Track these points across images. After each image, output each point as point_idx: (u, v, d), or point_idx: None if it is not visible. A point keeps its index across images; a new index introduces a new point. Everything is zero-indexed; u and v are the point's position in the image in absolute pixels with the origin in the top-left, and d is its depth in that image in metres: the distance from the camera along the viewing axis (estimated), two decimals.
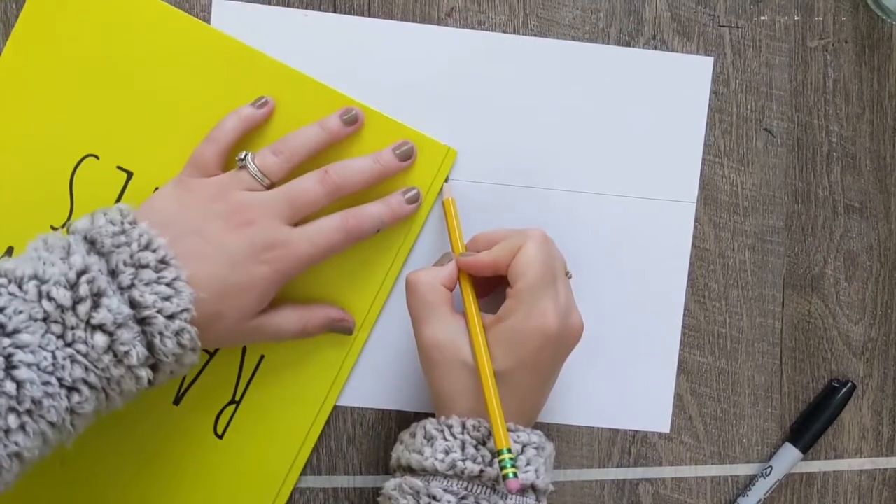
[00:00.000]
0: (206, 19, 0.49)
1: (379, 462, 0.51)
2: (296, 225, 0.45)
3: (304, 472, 0.50)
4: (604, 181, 0.51)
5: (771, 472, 0.52)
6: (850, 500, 0.54)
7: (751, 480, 0.53)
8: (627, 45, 0.51)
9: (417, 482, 0.41)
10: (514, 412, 0.42)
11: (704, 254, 0.52)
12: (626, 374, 0.51)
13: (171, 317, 0.39)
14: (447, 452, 0.41)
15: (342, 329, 0.48)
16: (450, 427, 0.42)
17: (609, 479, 0.52)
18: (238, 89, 0.48)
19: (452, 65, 0.50)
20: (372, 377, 0.50)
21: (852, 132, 0.53)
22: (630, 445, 0.52)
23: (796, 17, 0.52)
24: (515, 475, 0.39)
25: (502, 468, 0.39)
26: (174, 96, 0.48)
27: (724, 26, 0.52)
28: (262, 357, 0.49)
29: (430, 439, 0.42)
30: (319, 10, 0.50)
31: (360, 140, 0.48)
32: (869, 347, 0.54)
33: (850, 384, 0.53)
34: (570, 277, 0.46)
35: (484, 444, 0.41)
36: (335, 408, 0.50)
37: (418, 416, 0.47)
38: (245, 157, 0.45)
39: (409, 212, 0.48)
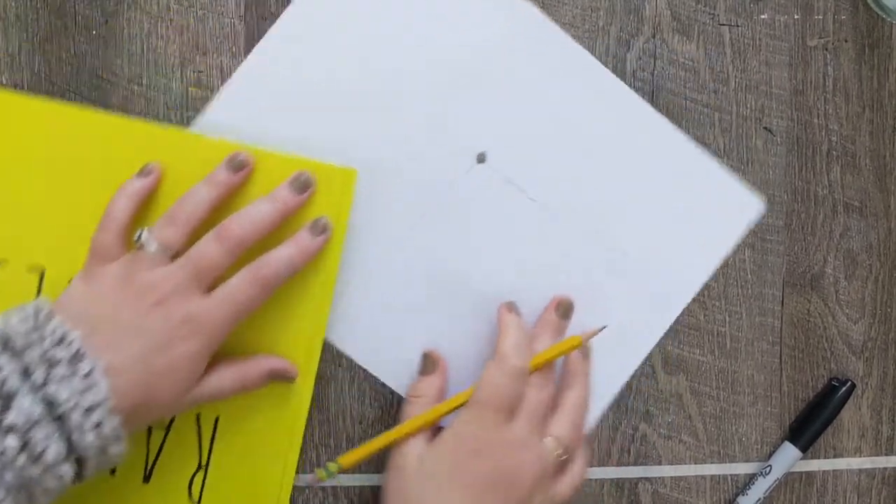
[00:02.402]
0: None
1: (379, 461, 0.51)
2: (210, 289, 0.44)
3: (304, 472, 0.50)
4: (613, 241, 0.51)
5: (770, 471, 0.52)
6: (850, 499, 0.54)
7: (750, 479, 0.53)
8: (627, 43, 0.51)
9: None
10: None
11: None
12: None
13: (89, 410, 0.38)
14: None
15: (284, 378, 0.47)
16: None
17: (608, 477, 0.52)
18: (123, 162, 0.47)
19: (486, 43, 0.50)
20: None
21: (852, 131, 0.53)
22: (629, 444, 0.52)
23: (796, 16, 0.52)
24: (320, 478, 0.46)
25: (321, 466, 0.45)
26: (64, 185, 0.47)
27: (723, 25, 0.52)
28: (217, 418, 0.48)
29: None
30: None
31: (256, 182, 0.47)
32: (868, 346, 0.54)
33: (849, 383, 0.53)
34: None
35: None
36: (335, 407, 0.50)
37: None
38: (141, 236, 0.44)
39: (321, 244, 0.47)
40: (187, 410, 0.46)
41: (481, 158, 0.50)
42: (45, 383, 0.38)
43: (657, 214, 0.51)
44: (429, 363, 0.49)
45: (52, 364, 0.39)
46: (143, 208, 0.46)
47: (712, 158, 0.51)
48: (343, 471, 0.46)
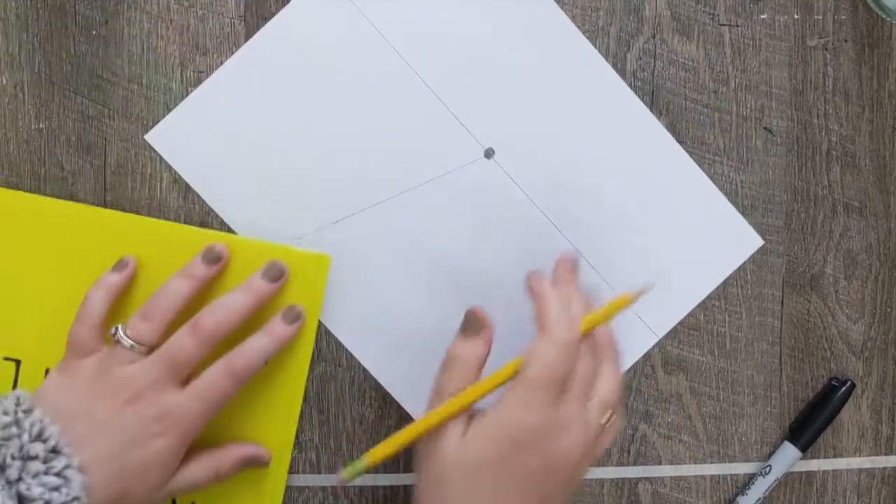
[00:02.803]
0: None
1: None
2: (184, 382, 0.44)
3: (303, 472, 0.50)
4: (612, 251, 0.51)
5: (770, 470, 0.52)
6: (850, 498, 0.54)
7: (750, 479, 0.53)
8: (627, 43, 0.51)
9: None
10: None
11: None
12: None
13: None
14: None
15: (258, 464, 0.47)
16: None
17: (608, 477, 0.52)
18: (99, 252, 0.47)
19: (493, 41, 0.50)
20: None
21: (852, 131, 0.53)
22: (629, 444, 0.52)
23: (796, 16, 0.52)
24: (346, 477, 0.42)
25: (348, 463, 0.42)
26: (40, 275, 0.48)
27: (723, 25, 0.52)
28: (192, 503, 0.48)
29: None
30: None
31: (230, 271, 0.47)
32: (868, 346, 0.54)
33: (849, 383, 0.53)
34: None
35: None
36: (335, 407, 0.50)
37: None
38: (116, 331, 0.44)
39: (294, 332, 0.47)
40: (162, 503, 0.46)
41: (489, 154, 0.50)
42: (19, 479, 0.38)
43: (659, 232, 0.51)
44: (472, 323, 0.44)
45: (26, 459, 0.39)
46: (120, 299, 0.47)
47: (718, 191, 0.52)
48: (372, 467, 0.43)
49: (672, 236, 0.51)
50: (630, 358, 0.52)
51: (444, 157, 0.50)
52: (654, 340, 0.52)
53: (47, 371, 0.47)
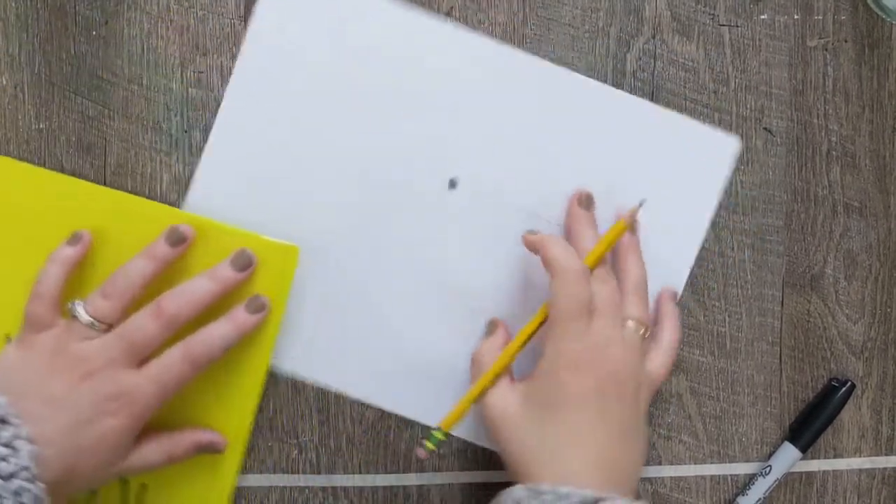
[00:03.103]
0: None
1: (378, 461, 0.51)
2: (142, 363, 0.44)
3: (303, 472, 0.50)
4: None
5: (770, 471, 0.52)
6: (850, 499, 0.54)
7: (750, 479, 0.53)
8: (627, 44, 0.51)
9: None
10: (593, 470, 0.42)
11: (704, 253, 0.52)
12: None
13: (9, 476, 0.38)
14: None
15: (212, 451, 0.48)
16: (540, 493, 0.40)
17: None
18: (63, 221, 0.47)
19: (453, 70, 0.50)
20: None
21: (852, 131, 0.53)
22: None
23: (796, 17, 0.52)
24: (429, 450, 0.45)
25: (425, 437, 0.46)
26: (2, 245, 0.47)
27: (723, 25, 0.52)
28: (143, 485, 0.48)
29: None
30: None
31: (197, 253, 0.47)
32: (868, 347, 0.54)
33: (849, 383, 0.53)
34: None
35: None
36: (334, 407, 0.50)
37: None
38: (74, 306, 0.44)
39: (256, 322, 0.46)
40: (114, 480, 0.46)
41: (453, 184, 0.50)
42: None
43: (641, 192, 0.50)
44: (490, 327, 0.49)
45: None
46: (82, 272, 0.46)
47: (676, 113, 0.51)
48: (448, 435, 0.47)
49: (653, 179, 0.51)
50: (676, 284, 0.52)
51: (409, 184, 0.50)
52: (686, 275, 0.52)
53: (8, 338, 0.47)
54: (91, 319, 0.43)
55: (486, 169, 0.50)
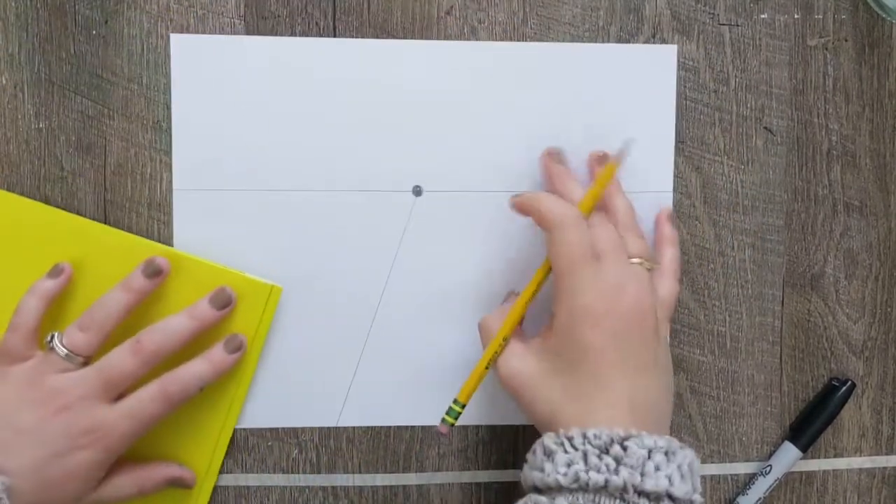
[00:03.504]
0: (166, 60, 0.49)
1: (378, 460, 0.51)
2: (117, 398, 0.44)
3: (303, 472, 0.50)
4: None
5: (770, 470, 0.52)
6: (850, 498, 0.54)
7: (750, 479, 0.53)
8: (627, 43, 0.51)
9: (542, 499, 0.39)
10: (620, 412, 0.41)
11: (704, 252, 0.52)
12: None
13: None
14: (569, 465, 0.39)
15: (182, 486, 0.48)
16: (570, 439, 0.40)
17: None
18: (43, 251, 0.47)
19: (407, 78, 0.50)
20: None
21: (852, 131, 0.53)
22: None
23: (796, 16, 0.52)
24: (450, 424, 0.45)
25: (446, 413, 0.45)
26: None
27: (723, 24, 0.52)
28: None
29: (549, 454, 0.40)
30: (320, 8, 0.50)
31: (177, 287, 0.47)
32: (868, 346, 0.54)
33: (849, 383, 0.53)
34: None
35: (607, 451, 0.39)
36: None
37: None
38: (52, 339, 0.44)
39: (233, 362, 0.47)
40: None
41: (417, 192, 0.50)
42: None
43: (606, 128, 0.50)
44: (507, 297, 0.49)
45: None
46: (61, 303, 0.47)
47: (608, 44, 0.51)
48: (465, 406, 0.45)
49: (611, 112, 0.51)
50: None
51: (373, 192, 0.50)
52: (670, 190, 0.52)
53: None
54: (68, 352, 0.44)
55: (447, 169, 0.50)
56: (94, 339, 0.44)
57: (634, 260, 0.44)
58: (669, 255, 0.48)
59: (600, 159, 0.49)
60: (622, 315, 0.42)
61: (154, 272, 0.46)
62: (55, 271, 0.46)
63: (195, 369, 0.45)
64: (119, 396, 0.44)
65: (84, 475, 0.43)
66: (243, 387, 0.49)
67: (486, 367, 0.45)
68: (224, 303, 0.47)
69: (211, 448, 0.49)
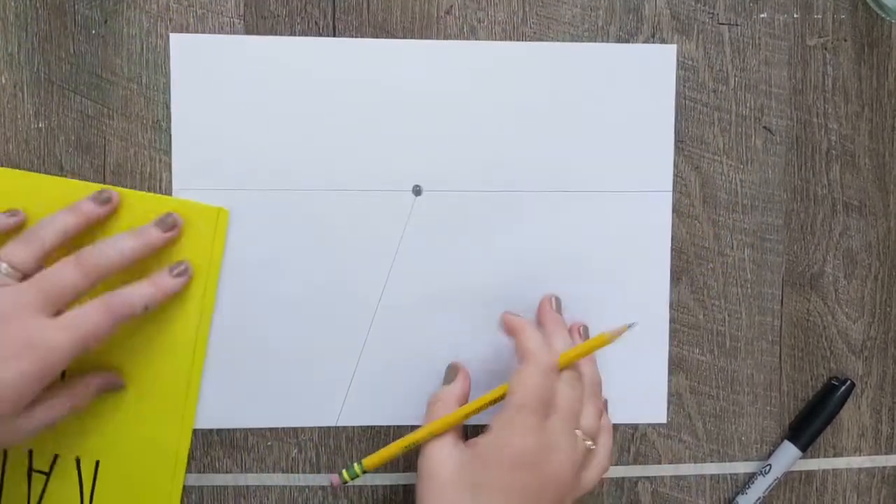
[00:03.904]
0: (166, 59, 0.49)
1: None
2: (59, 314, 0.43)
3: (303, 472, 0.50)
4: (576, 179, 0.51)
5: (770, 470, 0.52)
6: (850, 498, 0.54)
7: (750, 478, 0.53)
8: (627, 42, 0.51)
9: None
10: None
11: (703, 252, 0.52)
12: (618, 370, 0.51)
13: None
14: None
15: (113, 388, 0.48)
16: None
17: (608, 477, 0.52)
18: None
19: (407, 78, 0.50)
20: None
21: (851, 130, 0.53)
22: (629, 443, 0.52)
23: (795, 15, 0.52)
24: (344, 481, 0.46)
25: (346, 469, 0.46)
26: None
27: (723, 24, 0.52)
28: (97, 462, 0.48)
29: None
30: (319, 7, 0.50)
31: (123, 221, 0.47)
32: (868, 346, 0.54)
33: (849, 382, 0.53)
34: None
35: None
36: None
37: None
38: None
39: (178, 286, 0.47)
40: (22, 442, 0.45)
41: (417, 191, 0.50)
42: None
43: (606, 126, 0.50)
44: (450, 373, 0.49)
45: None
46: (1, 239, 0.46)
47: (607, 44, 0.51)
48: (366, 472, 0.46)
49: (612, 110, 0.51)
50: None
51: (373, 192, 0.50)
52: (670, 189, 0.51)
53: None
54: (6, 265, 0.43)
55: (447, 169, 0.50)
56: (34, 253, 0.44)
57: (579, 433, 0.44)
58: (604, 447, 0.47)
59: (554, 303, 0.50)
60: (547, 476, 0.42)
61: (105, 200, 0.47)
62: (10, 213, 0.46)
63: (139, 290, 0.45)
64: (60, 313, 0.43)
65: (16, 389, 0.41)
66: (208, 309, 0.49)
67: (406, 448, 0.45)
68: (170, 225, 0.47)
69: (186, 378, 0.48)
